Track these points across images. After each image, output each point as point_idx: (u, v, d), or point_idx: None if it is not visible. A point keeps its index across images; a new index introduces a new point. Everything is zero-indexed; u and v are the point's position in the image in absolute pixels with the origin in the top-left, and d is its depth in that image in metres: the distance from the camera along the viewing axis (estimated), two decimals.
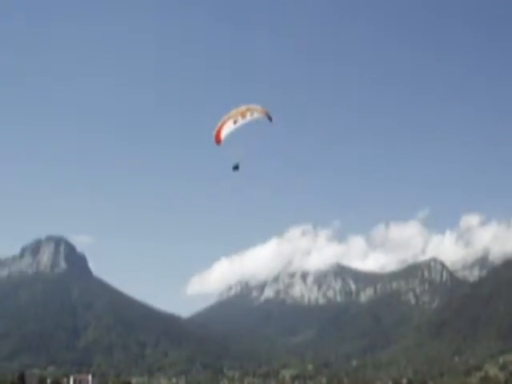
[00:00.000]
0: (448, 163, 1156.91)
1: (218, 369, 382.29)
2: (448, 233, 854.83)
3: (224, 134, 38.41)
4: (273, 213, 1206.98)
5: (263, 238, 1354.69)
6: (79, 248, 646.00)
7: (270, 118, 38.22)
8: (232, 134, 38.35)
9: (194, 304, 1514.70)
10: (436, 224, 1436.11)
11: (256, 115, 37.90)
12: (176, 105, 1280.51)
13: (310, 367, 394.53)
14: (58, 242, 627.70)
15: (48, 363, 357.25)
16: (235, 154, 39.59)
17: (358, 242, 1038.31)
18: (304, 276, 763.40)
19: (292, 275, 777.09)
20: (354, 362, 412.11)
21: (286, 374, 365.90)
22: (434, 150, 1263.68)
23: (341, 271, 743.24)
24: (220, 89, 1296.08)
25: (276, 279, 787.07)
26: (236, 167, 39.56)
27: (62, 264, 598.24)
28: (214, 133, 39.11)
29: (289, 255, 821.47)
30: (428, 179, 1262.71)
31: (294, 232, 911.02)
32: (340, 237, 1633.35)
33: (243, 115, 37.69)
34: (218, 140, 38.97)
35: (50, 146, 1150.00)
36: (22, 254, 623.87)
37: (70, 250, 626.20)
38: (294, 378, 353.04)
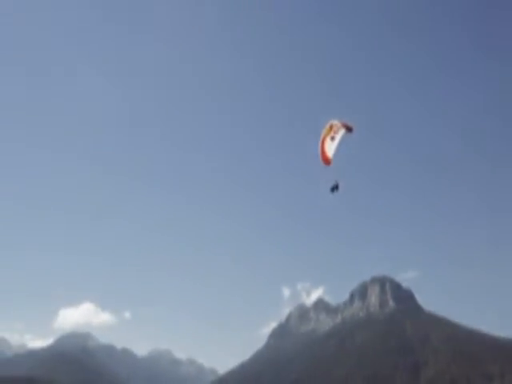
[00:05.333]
0: None
1: None
2: None
3: (330, 153, 38.92)
4: None
5: None
6: (404, 285, 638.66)
7: (350, 130, 38.80)
8: (337, 151, 38.95)
9: None
10: None
11: (341, 131, 38.76)
12: None
13: None
14: (382, 282, 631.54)
15: None
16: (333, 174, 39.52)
17: None
18: None
19: None
20: None
21: None
22: None
23: None
24: None
25: None
26: (336, 187, 38.87)
27: (391, 303, 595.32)
28: (320, 155, 39.20)
29: None
30: None
31: None
32: None
33: (335, 131, 38.58)
34: (327, 161, 39.34)
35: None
36: (351, 299, 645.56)
37: (396, 287, 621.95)
38: None
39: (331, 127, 39.01)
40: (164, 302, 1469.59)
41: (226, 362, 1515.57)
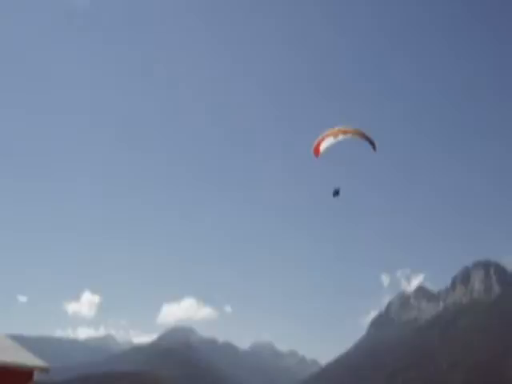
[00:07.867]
0: None
1: None
2: None
3: (323, 146, 37.78)
4: None
5: None
6: (510, 268, 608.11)
7: (372, 145, 37.11)
8: (332, 148, 37.56)
9: None
10: None
11: (357, 137, 37.40)
12: None
13: None
14: (486, 266, 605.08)
15: None
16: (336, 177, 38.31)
17: None
18: None
19: None
20: None
21: None
22: None
23: None
24: None
25: None
26: (337, 192, 36.87)
27: (496, 288, 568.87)
28: (314, 145, 38.17)
29: None
30: None
31: None
32: None
33: (345, 133, 37.19)
34: (316, 152, 38.21)
35: None
36: (453, 285, 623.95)
37: (502, 271, 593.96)
38: None
39: (345, 132, 37.16)
40: (264, 294, 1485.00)
41: (328, 352, 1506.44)
